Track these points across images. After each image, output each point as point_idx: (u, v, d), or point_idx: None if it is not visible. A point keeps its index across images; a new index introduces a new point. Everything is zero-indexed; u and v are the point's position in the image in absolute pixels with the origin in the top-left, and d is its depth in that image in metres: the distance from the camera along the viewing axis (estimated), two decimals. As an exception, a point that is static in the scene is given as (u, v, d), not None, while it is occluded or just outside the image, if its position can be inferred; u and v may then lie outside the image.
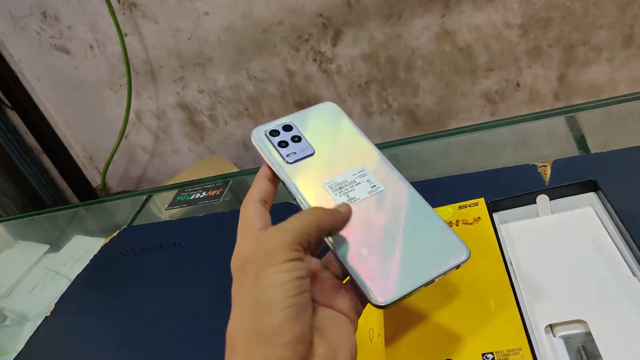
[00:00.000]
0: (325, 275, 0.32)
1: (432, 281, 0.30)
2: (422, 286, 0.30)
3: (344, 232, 0.32)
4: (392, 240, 0.32)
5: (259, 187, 0.34)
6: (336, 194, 0.34)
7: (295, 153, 0.36)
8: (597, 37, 1.28)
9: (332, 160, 0.36)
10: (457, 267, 0.31)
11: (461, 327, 0.37)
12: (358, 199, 0.34)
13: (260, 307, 0.26)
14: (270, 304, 0.26)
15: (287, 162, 0.35)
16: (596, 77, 1.35)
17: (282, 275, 0.27)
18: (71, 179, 1.80)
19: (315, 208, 0.32)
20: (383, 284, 0.30)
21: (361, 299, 0.32)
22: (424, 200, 0.34)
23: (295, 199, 0.34)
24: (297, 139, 0.37)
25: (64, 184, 1.83)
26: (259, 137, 0.37)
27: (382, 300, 0.29)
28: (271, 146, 0.36)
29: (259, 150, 0.37)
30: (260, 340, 0.25)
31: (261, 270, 0.27)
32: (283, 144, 0.36)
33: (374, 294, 0.29)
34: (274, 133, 0.37)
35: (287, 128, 0.37)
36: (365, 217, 0.33)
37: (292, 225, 0.29)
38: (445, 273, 0.31)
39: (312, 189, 0.34)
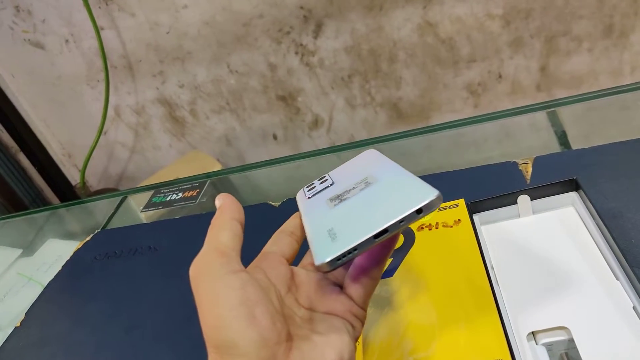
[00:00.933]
0: (323, 283, 0.33)
1: (386, 231, 0.27)
2: (371, 238, 0.27)
3: (316, 221, 0.32)
4: (351, 207, 0.31)
5: (288, 222, 0.36)
6: (331, 202, 0.33)
7: (316, 189, 0.37)
8: (578, 27, 1.28)
9: (345, 184, 0.35)
10: (420, 211, 0.27)
11: (441, 337, 0.36)
12: (349, 198, 0.33)
13: (210, 326, 0.27)
14: (217, 320, 0.27)
15: (307, 197, 0.36)
16: (577, 67, 1.35)
17: (220, 289, 0.27)
18: (50, 178, 1.76)
19: (218, 215, 0.31)
20: (329, 244, 0.28)
21: (359, 301, 0.32)
22: (402, 169, 0.32)
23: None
24: (324, 181, 0.38)
25: (43, 183, 1.79)
26: (298, 194, 0.39)
27: (321, 260, 0.28)
28: (302, 193, 0.38)
29: (299, 207, 0.38)
30: (223, 356, 0.26)
31: (201, 286, 0.28)
32: (312, 188, 0.38)
33: (316, 256, 0.28)
34: (309, 186, 0.38)
35: (322, 179, 0.38)
36: (343, 206, 0.32)
37: (212, 241, 0.30)
38: (403, 220, 0.27)
39: (315, 208, 0.34)
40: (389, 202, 0.29)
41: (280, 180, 0.78)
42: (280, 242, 0.34)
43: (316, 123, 1.57)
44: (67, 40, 1.53)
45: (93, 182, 1.82)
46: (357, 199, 0.32)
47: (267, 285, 0.30)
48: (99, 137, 1.60)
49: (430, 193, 0.27)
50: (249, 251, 0.34)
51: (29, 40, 1.54)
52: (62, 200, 1.80)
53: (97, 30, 1.43)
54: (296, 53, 1.44)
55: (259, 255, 0.34)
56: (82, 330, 0.54)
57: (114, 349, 0.50)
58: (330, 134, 1.58)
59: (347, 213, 0.31)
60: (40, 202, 1.80)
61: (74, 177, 1.83)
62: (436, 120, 1.51)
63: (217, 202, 0.32)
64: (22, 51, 1.56)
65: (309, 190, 0.38)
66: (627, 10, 1.24)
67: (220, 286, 0.27)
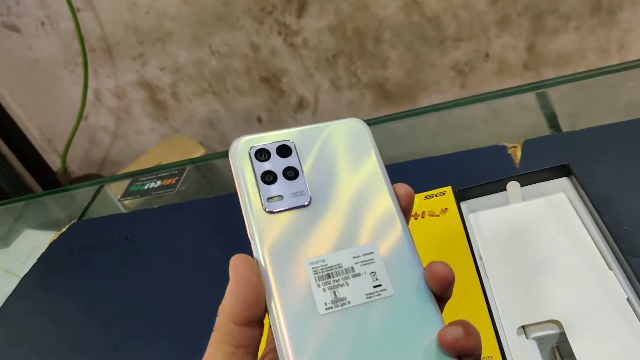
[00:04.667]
0: None
1: None
2: None
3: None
4: None
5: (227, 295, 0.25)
6: (319, 286, 0.22)
7: (282, 198, 0.24)
8: (566, 5, 1.26)
9: (331, 223, 0.23)
10: None
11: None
12: (348, 303, 0.22)
13: None
14: None
15: (265, 209, 0.23)
16: (564, 45, 1.33)
17: None
18: (30, 164, 1.72)
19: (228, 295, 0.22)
20: None
21: None
22: (439, 319, 0.24)
23: (259, 267, 0.23)
24: (291, 173, 0.24)
25: (23, 169, 1.75)
26: (239, 154, 0.24)
27: None
28: (251, 174, 0.24)
29: (234, 174, 0.24)
30: None
31: None
32: (269, 178, 0.24)
33: None
34: (262, 154, 0.24)
35: (284, 151, 0.25)
36: (347, 333, 0.21)
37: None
38: None
39: (287, 266, 0.22)
40: None
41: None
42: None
43: (301, 105, 1.55)
44: (43, 23, 1.48)
45: (75, 168, 1.79)
46: (360, 330, 0.22)
47: None
48: (79, 121, 1.57)
49: None
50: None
51: (3, 23, 1.49)
52: (43, 186, 1.76)
53: (74, 12, 1.39)
54: (279, 33, 1.41)
55: None
56: (58, 328, 0.52)
57: (91, 347, 0.49)
58: (315, 117, 1.56)
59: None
60: (21, 189, 1.76)
61: (54, 162, 1.79)
62: (423, 100, 1.49)
63: (230, 271, 0.23)
64: (-3, 34, 1.51)
65: (264, 182, 0.24)
66: (614, -14, 1.22)
67: None
